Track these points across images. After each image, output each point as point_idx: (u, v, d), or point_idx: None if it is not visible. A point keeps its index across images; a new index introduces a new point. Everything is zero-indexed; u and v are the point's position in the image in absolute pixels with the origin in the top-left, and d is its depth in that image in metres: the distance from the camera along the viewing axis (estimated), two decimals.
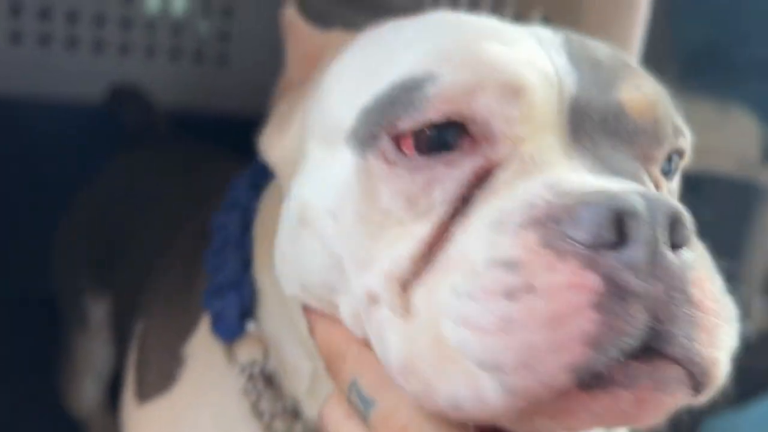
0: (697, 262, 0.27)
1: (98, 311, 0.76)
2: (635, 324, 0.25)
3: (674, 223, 0.27)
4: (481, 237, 0.28)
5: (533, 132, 0.30)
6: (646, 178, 0.32)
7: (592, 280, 0.25)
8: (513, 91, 0.30)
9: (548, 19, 0.51)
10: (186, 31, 0.98)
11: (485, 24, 0.34)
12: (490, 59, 0.30)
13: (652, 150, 0.32)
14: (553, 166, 0.29)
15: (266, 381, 0.43)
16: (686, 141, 0.35)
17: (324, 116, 0.36)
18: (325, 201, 0.34)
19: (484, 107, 0.30)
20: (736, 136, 0.84)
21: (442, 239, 0.30)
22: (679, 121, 0.34)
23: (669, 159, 0.34)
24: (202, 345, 0.45)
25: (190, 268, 0.48)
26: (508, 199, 0.28)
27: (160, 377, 0.46)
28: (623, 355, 0.25)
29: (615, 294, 0.25)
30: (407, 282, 0.30)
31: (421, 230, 0.30)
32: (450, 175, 0.30)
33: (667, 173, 0.34)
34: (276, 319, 0.42)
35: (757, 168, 0.82)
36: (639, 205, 0.26)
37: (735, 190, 0.85)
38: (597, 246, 0.26)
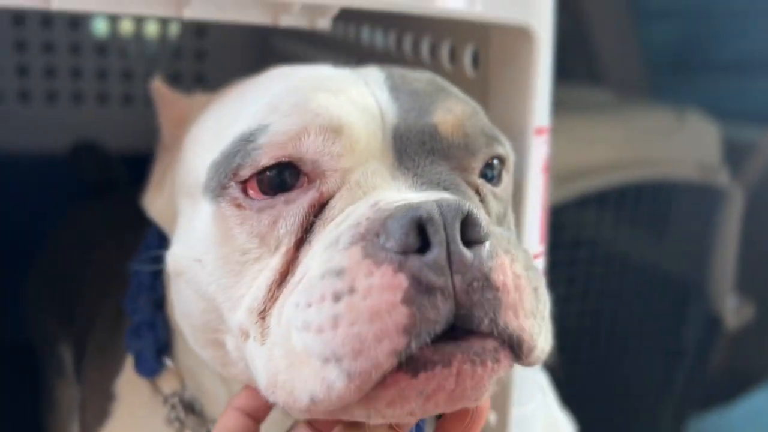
0: (498, 250, 0.32)
1: (70, 358, 0.76)
2: (441, 312, 0.31)
3: (466, 224, 0.32)
4: (318, 257, 0.33)
5: (358, 162, 0.36)
6: (464, 186, 0.37)
7: (401, 280, 0.31)
8: (334, 130, 0.35)
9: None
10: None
11: (316, 74, 0.39)
12: (312, 106, 0.36)
13: (467, 161, 0.38)
14: (378, 188, 0.35)
15: (187, 409, 0.47)
16: (504, 147, 0.40)
17: (187, 174, 0.41)
18: (192, 251, 0.39)
19: (311, 148, 0.35)
20: (695, 141, 0.86)
21: (292, 266, 0.35)
22: (493, 131, 0.39)
23: (490, 165, 0.39)
24: (129, 382, 0.50)
25: (120, 313, 0.52)
26: (341, 223, 0.34)
27: (96, 415, 0.50)
28: (437, 339, 0.31)
29: (421, 290, 0.31)
30: (265, 311, 0.35)
31: (274, 262, 0.35)
32: (290, 210, 0.35)
33: (491, 179, 0.40)
34: (189, 352, 0.45)
35: (716, 171, 0.84)
36: (434, 212, 0.31)
37: (698, 195, 0.86)
38: (406, 251, 0.31)
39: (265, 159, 0.35)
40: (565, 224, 0.79)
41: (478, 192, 0.39)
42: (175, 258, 0.41)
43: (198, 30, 1.00)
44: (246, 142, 0.36)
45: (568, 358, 0.82)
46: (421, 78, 0.40)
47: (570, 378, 0.85)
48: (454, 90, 0.41)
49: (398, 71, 0.40)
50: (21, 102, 0.94)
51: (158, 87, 0.49)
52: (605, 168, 0.79)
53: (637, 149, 0.82)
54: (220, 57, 1.01)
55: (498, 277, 0.32)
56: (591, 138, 0.79)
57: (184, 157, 0.43)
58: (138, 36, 0.99)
